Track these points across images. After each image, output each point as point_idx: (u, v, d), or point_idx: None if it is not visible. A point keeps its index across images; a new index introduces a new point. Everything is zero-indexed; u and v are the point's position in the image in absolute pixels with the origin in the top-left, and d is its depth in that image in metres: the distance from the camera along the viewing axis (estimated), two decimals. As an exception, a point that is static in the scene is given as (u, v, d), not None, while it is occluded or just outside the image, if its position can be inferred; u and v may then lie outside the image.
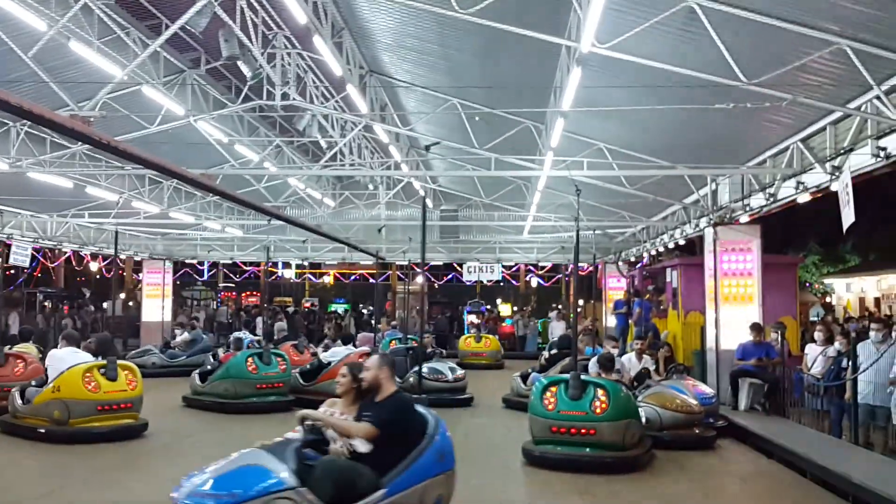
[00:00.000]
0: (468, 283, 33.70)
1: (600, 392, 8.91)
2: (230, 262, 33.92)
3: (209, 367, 14.35)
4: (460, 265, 28.10)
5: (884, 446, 9.51)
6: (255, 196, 18.97)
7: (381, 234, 23.99)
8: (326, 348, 15.85)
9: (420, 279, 41.16)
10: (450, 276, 37.36)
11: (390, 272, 38.79)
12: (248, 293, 43.81)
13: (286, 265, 42.04)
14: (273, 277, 42.81)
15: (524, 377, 13.90)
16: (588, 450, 8.83)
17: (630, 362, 11.87)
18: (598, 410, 8.82)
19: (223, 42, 10.92)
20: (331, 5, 11.14)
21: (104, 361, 10.34)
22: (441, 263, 32.26)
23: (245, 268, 41.44)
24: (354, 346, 15.78)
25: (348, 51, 12.24)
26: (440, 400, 12.66)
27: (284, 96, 12.90)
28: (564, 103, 10.11)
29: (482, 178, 18.23)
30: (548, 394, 9.11)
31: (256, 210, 14.90)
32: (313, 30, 10.05)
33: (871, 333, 10.16)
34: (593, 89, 10.21)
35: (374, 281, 41.66)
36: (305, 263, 35.13)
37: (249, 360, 13.17)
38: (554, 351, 14.76)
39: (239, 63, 11.56)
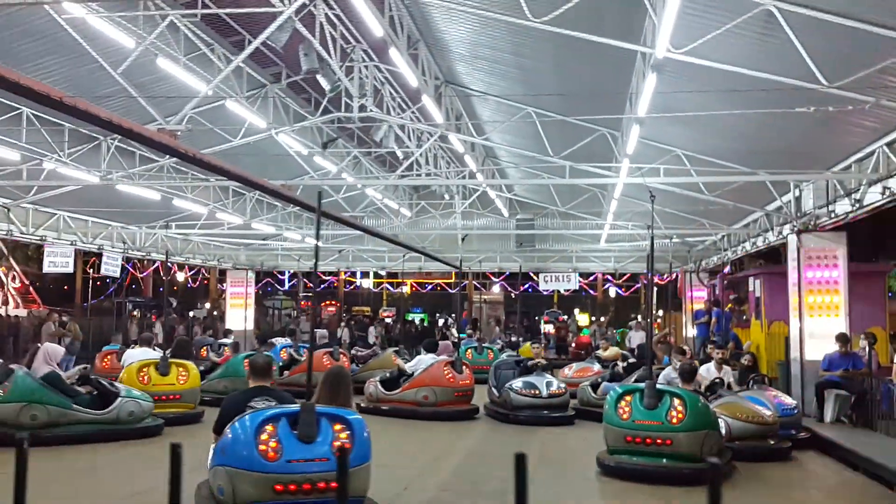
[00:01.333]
0: (545, 293, 33.54)
1: (677, 402, 8.78)
2: (309, 271, 34.65)
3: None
4: (537, 274, 28.01)
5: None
6: (334, 207, 19.40)
7: (461, 243, 24.16)
8: (412, 356, 15.98)
9: (496, 288, 41.27)
10: (526, 286, 37.29)
11: (466, 282, 38.95)
12: (326, 302, 44.66)
13: (364, 275, 42.65)
14: (351, 287, 43.54)
15: (594, 386, 13.75)
16: (665, 461, 8.71)
17: (708, 372, 11.65)
18: (674, 420, 8.69)
19: (303, 56, 11.27)
20: (406, 18, 11.37)
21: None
22: (518, 272, 32.19)
23: (324, 277, 42.27)
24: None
25: (424, 62, 12.46)
26: (534, 417, 12.55)
27: (362, 108, 13.21)
28: (640, 110, 10.06)
29: (558, 187, 18.20)
30: (622, 403, 9.03)
31: (334, 220, 15.28)
32: (389, 42, 10.30)
33: None
34: (669, 95, 10.12)
35: (451, 290, 41.95)
36: (383, 273, 35.61)
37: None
38: (632, 360, 14.59)
39: (318, 76, 11.90)
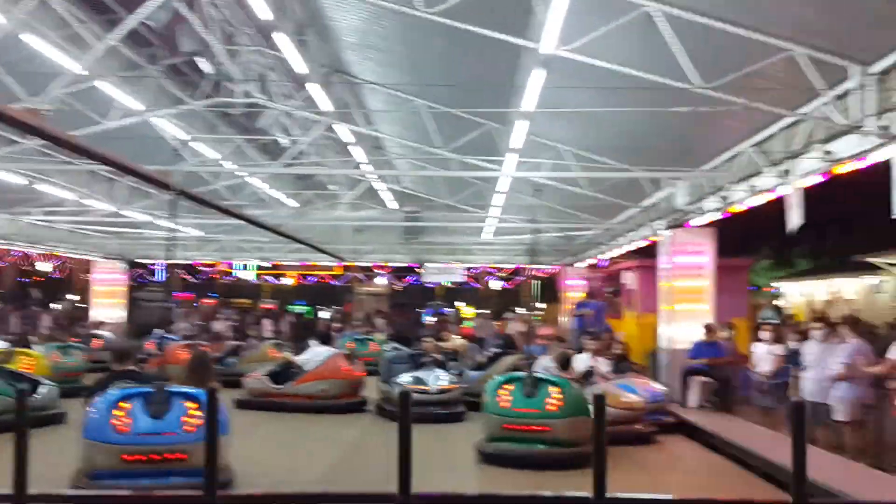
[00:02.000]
0: (430, 286, 33.80)
1: (554, 390, 9.08)
2: (187, 262, 33.55)
3: None
4: (422, 266, 28.16)
5: (826, 442, 9.82)
6: (214, 195, 18.82)
7: (352, 235, 23.92)
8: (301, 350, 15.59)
9: (382, 281, 41.19)
10: (413, 279, 37.41)
11: (352, 274, 38.72)
12: (204, 297, 43.32)
13: (244, 266, 41.65)
14: (230, 279, 42.43)
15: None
16: (541, 446, 8.98)
17: (584, 362, 12.04)
18: (552, 408, 8.98)
19: (183, 38, 10.89)
20: (294, 2, 11.17)
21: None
22: (403, 265, 32.28)
23: (203, 269, 41.00)
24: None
25: (312, 49, 12.27)
26: (421, 415, 11.91)
27: (246, 94, 12.87)
28: (527, 105, 10.27)
29: (445, 179, 18.34)
30: (502, 391, 9.25)
31: (215, 209, 14.81)
32: (276, 26, 10.08)
33: (815, 333, 10.50)
34: (555, 91, 10.38)
35: (335, 283, 41.54)
36: (267, 265, 34.90)
37: None
38: (497, 350, 14.88)
39: (199, 59, 11.52)
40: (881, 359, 9.38)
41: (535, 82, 9.47)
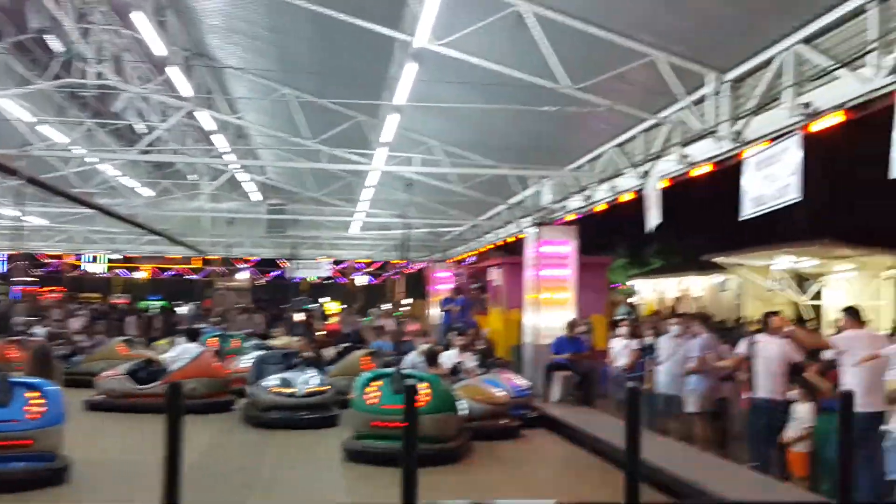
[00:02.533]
0: (295, 280, 33.13)
1: (423, 385, 9.04)
2: (30, 253, 31.34)
3: None
4: (288, 261, 27.56)
5: (678, 433, 10.30)
6: (62, 182, 17.62)
7: (213, 227, 22.98)
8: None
9: (244, 275, 40.05)
10: (278, 273, 36.54)
11: (211, 268, 37.39)
12: (49, 288, 40.65)
13: (93, 259, 39.36)
14: (77, 272, 40.05)
15: None
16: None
17: (451, 358, 12.06)
18: (419, 403, 8.92)
19: (31, 13, 10.08)
20: (155, -20, 10.58)
21: None
22: (267, 259, 31.47)
23: (48, 261, 38.50)
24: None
25: (172, 30, 11.68)
26: (287, 420, 10.89)
27: (99, 75, 12.10)
28: (398, 98, 10.18)
29: (312, 172, 17.97)
30: (370, 389, 9.13)
31: (64, 196, 13.87)
32: (134, 5, 9.51)
33: (671, 328, 10.99)
34: (428, 86, 10.35)
35: (194, 276, 39.98)
36: (119, 257, 33.13)
37: None
38: (346, 345, 14.69)
39: (48, 37, 10.71)
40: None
41: (407, 76, 9.40)
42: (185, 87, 12.56)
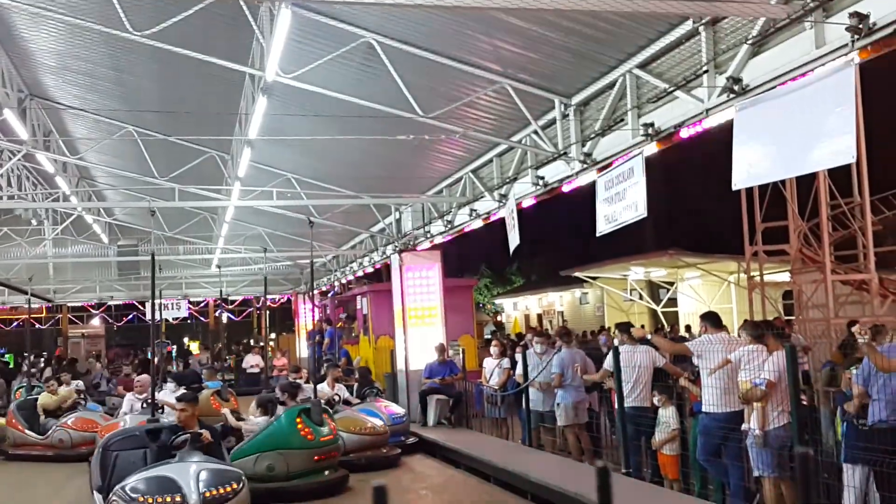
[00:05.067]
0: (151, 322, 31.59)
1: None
2: None
3: None
4: (142, 304, 26.30)
5: (552, 446, 10.55)
6: None
7: (58, 273, 21.57)
8: None
9: (96, 321, 37.82)
10: (130, 317, 34.77)
11: (60, 315, 35.10)
12: None
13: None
14: None
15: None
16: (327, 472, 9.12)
17: (323, 390, 11.85)
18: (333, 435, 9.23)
19: None
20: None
21: None
22: (121, 303, 29.90)
23: None
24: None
25: (4, 72, 10.98)
26: None
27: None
28: (250, 132, 9.99)
29: (165, 210, 17.28)
30: (300, 425, 8.94)
31: None
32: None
33: (534, 346, 11.25)
34: (280, 119, 10.21)
35: (42, 326, 37.37)
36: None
37: None
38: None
39: None
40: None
41: (258, 110, 9.24)
42: (20, 128, 11.79)
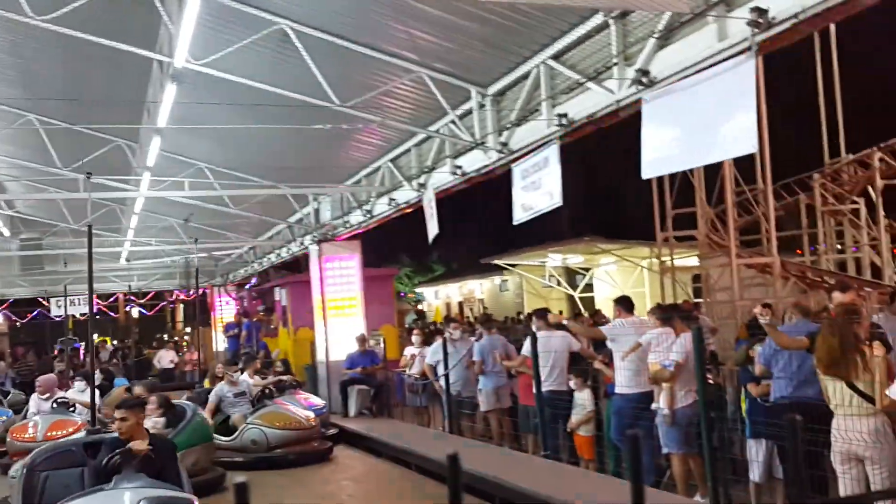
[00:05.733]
0: (57, 319, 30.41)
1: None
2: None
3: None
4: (47, 299, 25.28)
5: (472, 431, 10.68)
6: None
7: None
8: None
9: (-2, 318, 36.14)
10: (35, 313, 33.38)
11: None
12: None
13: None
14: None
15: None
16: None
17: (247, 384, 11.63)
18: None
19: None
20: None
21: None
22: (24, 299, 28.67)
23: None
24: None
25: None
26: None
27: None
28: (159, 120, 9.70)
29: (69, 202, 16.61)
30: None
31: None
32: None
33: (449, 333, 11.35)
34: (191, 108, 9.94)
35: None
36: None
37: None
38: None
39: None
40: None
41: (167, 97, 8.98)
42: None
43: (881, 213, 16.51)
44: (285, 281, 18.42)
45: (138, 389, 10.74)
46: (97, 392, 9.35)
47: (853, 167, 17.06)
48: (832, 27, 15.00)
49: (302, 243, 16.14)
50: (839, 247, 17.63)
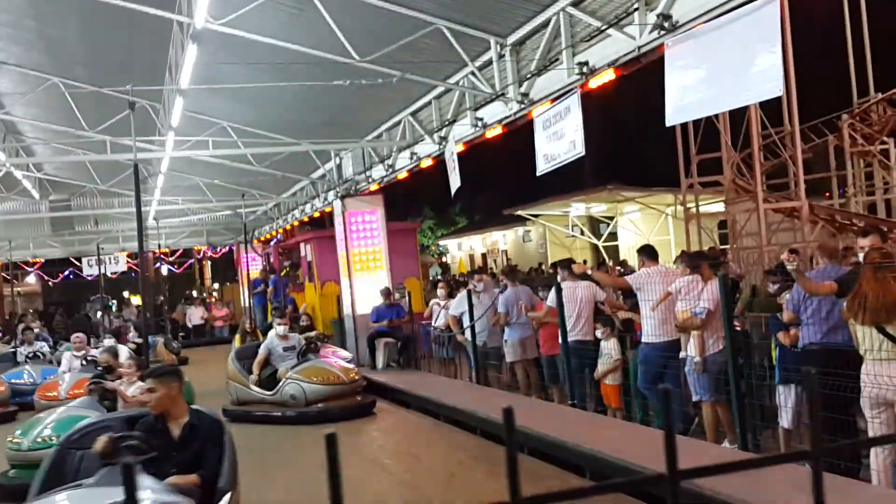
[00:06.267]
0: (89, 279, 30.98)
1: None
2: None
3: None
4: (79, 259, 25.71)
5: (499, 382, 10.82)
6: None
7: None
8: None
9: (32, 279, 36.89)
10: (67, 273, 33.98)
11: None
12: None
13: None
14: None
15: None
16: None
17: (297, 338, 11.56)
18: None
19: None
20: None
21: None
22: (56, 259, 29.17)
23: None
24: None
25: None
26: None
27: None
28: (182, 81, 9.73)
29: (96, 163, 16.80)
30: None
31: None
32: None
33: (473, 284, 11.42)
34: (211, 66, 9.96)
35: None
36: None
37: None
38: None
39: None
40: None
41: (188, 58, 8.99)
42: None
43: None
44: (310, 236, 18.55)
45: (103, 357, 8.55)
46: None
47: (882, 106, 16.69)
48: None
49: (325, 199, 16.21)
50: (869, 189, 17.36)
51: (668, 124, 6.79)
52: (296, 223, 21.14)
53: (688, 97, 6.41)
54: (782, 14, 5.91)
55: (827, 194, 17.79)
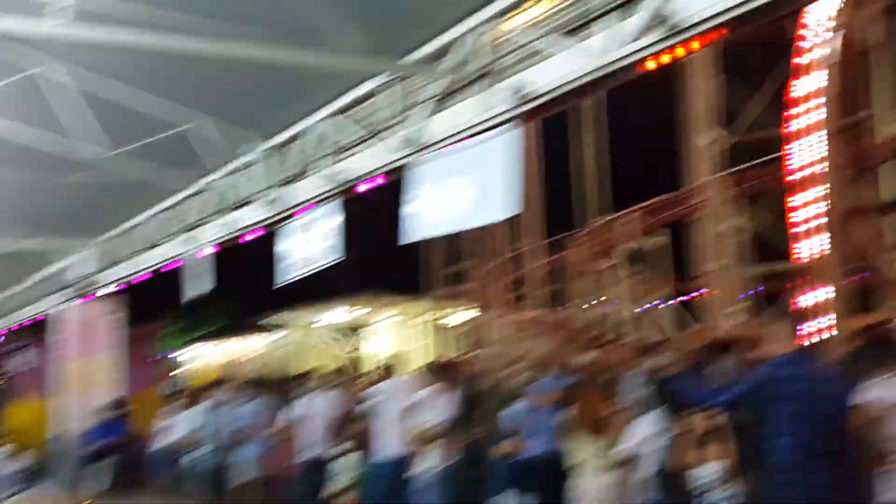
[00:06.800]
0: None
1: None
2: None
3: None
4: None
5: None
6: None
7: None
8: None
9: None
10: None
11: None
12: None
13: None
14: None
15: None
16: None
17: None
18: None
19: None
20: None
21: None
22: None
23: None
24: None
25: None
26: None
27: None
28: None
29: None
30: None
31: None
32: None
33: (212, 398, 10.77)
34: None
35: None
36: None
37: None
38: None
39: None
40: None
41: None
42: None
43: (623, 272, 17.86)
44: (28, 343, 16.69)
45: None
46: None
47: (604, 229, 18.51)
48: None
49: (50, 302, 14.73)
50: (595, 302, 18.93)
51: (399, 242, 6.91)
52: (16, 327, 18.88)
53: (427, 216, 6.56)
54: (524, 140, 6.33)
55: (561, 306, 19.19)
